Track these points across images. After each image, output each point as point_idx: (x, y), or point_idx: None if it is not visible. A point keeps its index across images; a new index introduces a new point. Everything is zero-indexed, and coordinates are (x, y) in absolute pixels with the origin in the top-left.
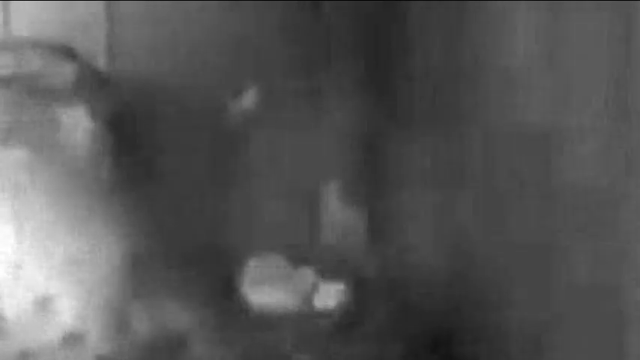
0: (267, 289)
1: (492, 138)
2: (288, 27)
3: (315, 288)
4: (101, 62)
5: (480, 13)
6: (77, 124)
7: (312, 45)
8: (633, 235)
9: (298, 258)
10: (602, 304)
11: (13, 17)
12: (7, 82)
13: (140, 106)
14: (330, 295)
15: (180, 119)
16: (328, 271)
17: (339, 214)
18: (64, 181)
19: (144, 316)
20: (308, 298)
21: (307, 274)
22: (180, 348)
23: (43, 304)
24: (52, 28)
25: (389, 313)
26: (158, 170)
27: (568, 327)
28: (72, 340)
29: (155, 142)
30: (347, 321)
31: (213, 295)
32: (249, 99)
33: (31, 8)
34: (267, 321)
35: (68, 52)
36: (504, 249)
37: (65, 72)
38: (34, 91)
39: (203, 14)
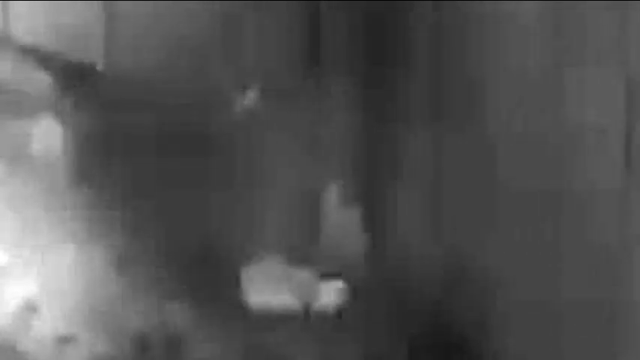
0: (267, 289)
1: (496, 140)
2: (288, 27)
3: (315, 288)
4: (100, 61)
5: (489, 14)
6: (50, 134)
7: (312, 45)
8: None
9: (298, 258)
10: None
11: (13, 17)
12: None
13: (139, 104)
14: (330, 295)
15: (179, 118)
16: (328, 271)
17: (339, 215)
18: (46, 187)
19: (143, 316)
20: (308, 298)
21: (307, 274)
22: (181, 347)
23: (32, 307)
24: (52, 28)
25: (388, 313)
26: (156, 171)
27: (569, 328)
28: (64, 341)
29: (154, 142)
30: (347, 321)
31: (214, 295)
32: (250, 98)
33: (30, 9)
34: (267, 321)
35: (45, 58)
36: (504, 249)
37: (38, 80)
38: (4, 100)
39: (203, 13)
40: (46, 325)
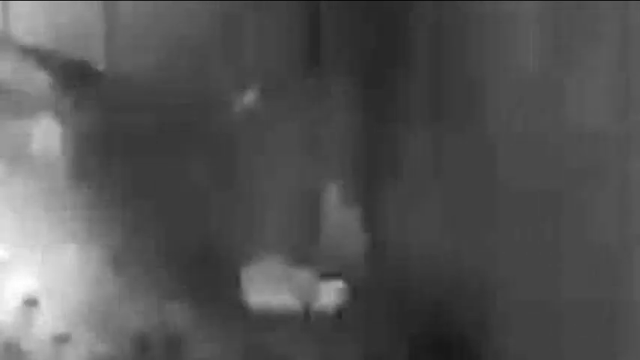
0: (268, 289)
1: (496, 140)
2: (288, 27)
3: (315, 288)
4: (100, 61)
5: (489, 14)
6: (50, 134)
7: (312, 45)
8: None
9: (298, 258)
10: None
11: (13, 17)
12: None
13: (139, 104)
14: (330, 295)
15: (179, 118)
16: (328, 271)
17: (339, 215)
18: (46, 187)
19: (143, 316)
20: (308, 298)
21: (307, 274)
22: (181, 347)
23: (32, 308)
24: (52, 28)
25: (388, 313)
26: (156, 171)
27: (569, 328)
28: (64, 341)
29: (154, 142)
30: (347, 321)
31: (214, 295)
32: (250, 98)
33: (30, 8)
34: (267, 321)
35: (45, 57)
36: (504, 249)
37: (38, 80)
38: (4, 99)
39: (203, 13)
40: (46, 325)
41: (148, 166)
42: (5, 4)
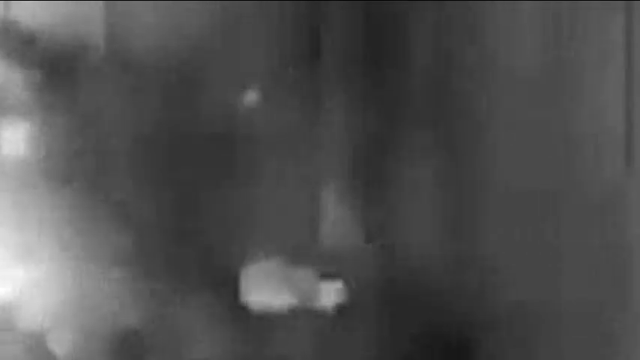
0: (267, 289)
1: (496, 140)
2: (288, 27)
3: (315, 288)
4: (100, 53)
5: (488, 13)
6: (20, 136)
7: (312, 45)
8: None
9: (298, 258)
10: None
11: (13, 7)
12: None
13: (137, 104)
14: (330, 295)
15: (178, 115)
16: (328, 271)
17: (338, 214)
18: (37, 185)
19: (141, 316)
20: (308, 298)
21: (307, 274)
22: (180, 347)
23: (6, 304)
24: (52, 18)
25: (388, 313)
26: (156, 171)
27: (569, 328)
28: (34, 339)
29: (152, 142)
30: (347, 321)
31: (214, 296)
32: (250, 98)
33: (31, 9)
34: (267, 321)
35: (26, 51)
36: (504, 249)
37: (16, 78)
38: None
39: (203, 13)
40: (30, 327)
41: (148, 166)
42: (5, 4)
